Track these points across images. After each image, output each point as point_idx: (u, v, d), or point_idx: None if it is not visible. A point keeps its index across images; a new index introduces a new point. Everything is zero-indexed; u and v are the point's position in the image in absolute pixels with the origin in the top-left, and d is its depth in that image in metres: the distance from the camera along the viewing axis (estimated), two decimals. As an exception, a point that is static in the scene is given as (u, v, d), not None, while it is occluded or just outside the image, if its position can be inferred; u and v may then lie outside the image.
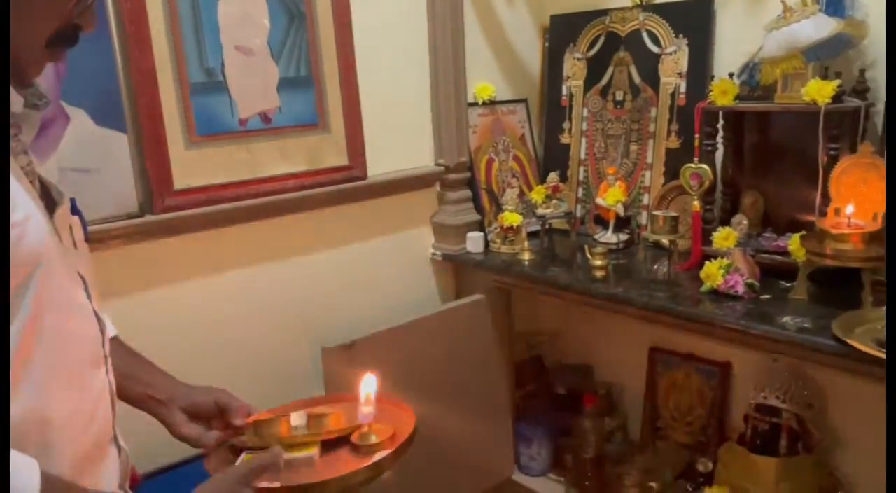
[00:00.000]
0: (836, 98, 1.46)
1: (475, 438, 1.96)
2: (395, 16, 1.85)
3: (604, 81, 2.00)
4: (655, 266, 1.69)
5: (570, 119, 2.07)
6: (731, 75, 1.64)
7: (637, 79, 1.94)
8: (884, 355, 1.18)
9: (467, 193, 2.00)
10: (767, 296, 1.49)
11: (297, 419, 1.05)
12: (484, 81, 2.04)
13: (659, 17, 1.89)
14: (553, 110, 2.11)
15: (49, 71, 1.30)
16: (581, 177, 2.06)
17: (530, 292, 1.95)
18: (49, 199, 0.86)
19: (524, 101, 2.15)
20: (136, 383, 1.05)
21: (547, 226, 1.94)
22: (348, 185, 1.76)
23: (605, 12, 1.98)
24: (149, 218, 1.46)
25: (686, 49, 1.84)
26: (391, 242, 1.91)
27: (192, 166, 1.51)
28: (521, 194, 2.01)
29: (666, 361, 2.03)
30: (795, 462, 1.67)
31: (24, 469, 0.71)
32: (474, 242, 1.94)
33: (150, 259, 1.49)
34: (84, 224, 0.93)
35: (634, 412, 2.12)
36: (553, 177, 1.95)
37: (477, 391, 1.95)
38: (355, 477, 0.94)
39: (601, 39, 2.00)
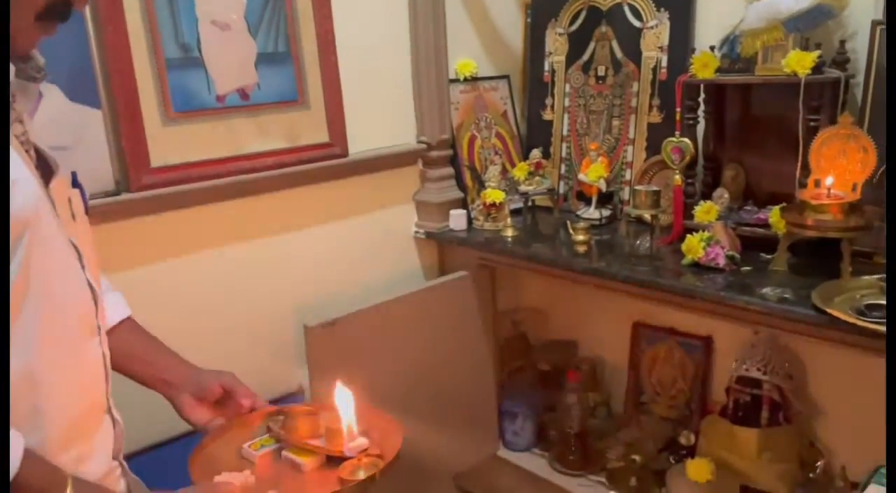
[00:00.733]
0: (816, 69, 1.46)
1: (460, 415, 1.97)
2: (374, -9, 1.82)
3: (585, 57, 1.99)
4: (637, 241, 1.69)
5: (553, 95, 2.06)
6: (711, 48, 1.64)
7: (619, 54, 1.93)
8: (862, 324, 1.19)
9: (450, 170, 1.98)
10: (748, 268, 1.50)
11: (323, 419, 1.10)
12: (466, 58, 2.02)
13: (640, -10, 1.88)
14: (535, 86, 2.10)
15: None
16: (563, 153, 2.06)
17: (514, 270, 1.95)
18: (46, 169, 0.88)
19: (506, 77, 2.14)
20: (148, 365, 1.09)
21: (530, 203, 1.94)
22: (329, 162, 1.74)
23: (586, -13, 1.97)
24: (126, 196, 1.44)
25: (667, 23, 1.83)
26: (373, 220, 1.90)
27: (169, 144, 1.48)
28: (504, 171, 2.00)
29: (649, 336, 2.05)
30: (776, 433, 1.70)
31: (11, 440, 0.74)
32: (457, 219, 1.93)
33: (127, 238, 1.47)
34: (84, 197, 0.96)
35: (618, 387, 2.14)
36: (535, 153, 1.94)
37: (461, 368, 1.96)
38: None
39: (583, 14, 1.99)
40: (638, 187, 1.68)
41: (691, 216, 1.65)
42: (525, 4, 2.15)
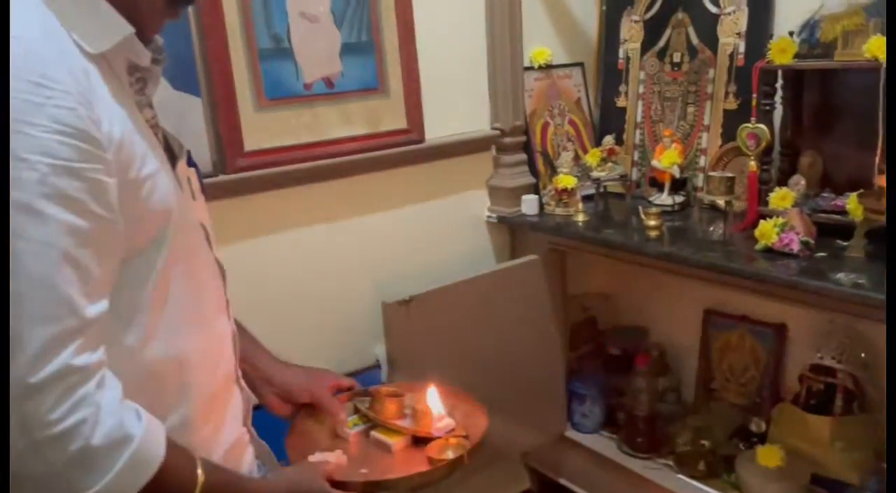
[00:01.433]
0: (899, 54, 1.44)
1: (529, 395, 2.01)
2: (453, -19, 1.88)
3: (661, 44, 2.00)
4: (710, 227, 1.70)
5: (627, 82, 2.08)
6: (790, 34, 1.62)
7: (695, 40, 1.93)
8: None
9: (522, 156, 2.03)
10: (823, 254, 1.49)
11: (408, 400, 1.14)
12: (540, 46, 2.05)
13: (718, -24, 1.87)
14: (609, 74, 2.12)
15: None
16: (637, 140, 2.07)
17: (584, 254, 1.98)
18: (171, 152, 0.89)
19: (580, 64, 2.16)
20: (241, 361, 1.09)
21: (602, 189, 1.96)
22: (407, 148, 1.81)
23: (663, -27, 1.98)
24: (221, 178, 1.54)
25: (745, 9, 1.82)
26: (448, 204, 1.96)
27: (261, 129, 1.58)
28: (577, 158, 2.04)
29: (720, 323, 2.04)
30: (850, 422, 1.68)
31: (155, 432, 0.74)
32: (529, 204, 1.98)
33: (220, 218, 1.56)
34: (199, 176, 0.97)
35: (688, 374, 2.14)
36: (608, 140, 1.96)
37: (530, 350, 2.00)
38: (423, 478, 1.01)
39: (659, 1, 2.00)
40: (712, 173, 1.68)
41: (766, 203, 1.64)
42: (600, -8, 2.16)
